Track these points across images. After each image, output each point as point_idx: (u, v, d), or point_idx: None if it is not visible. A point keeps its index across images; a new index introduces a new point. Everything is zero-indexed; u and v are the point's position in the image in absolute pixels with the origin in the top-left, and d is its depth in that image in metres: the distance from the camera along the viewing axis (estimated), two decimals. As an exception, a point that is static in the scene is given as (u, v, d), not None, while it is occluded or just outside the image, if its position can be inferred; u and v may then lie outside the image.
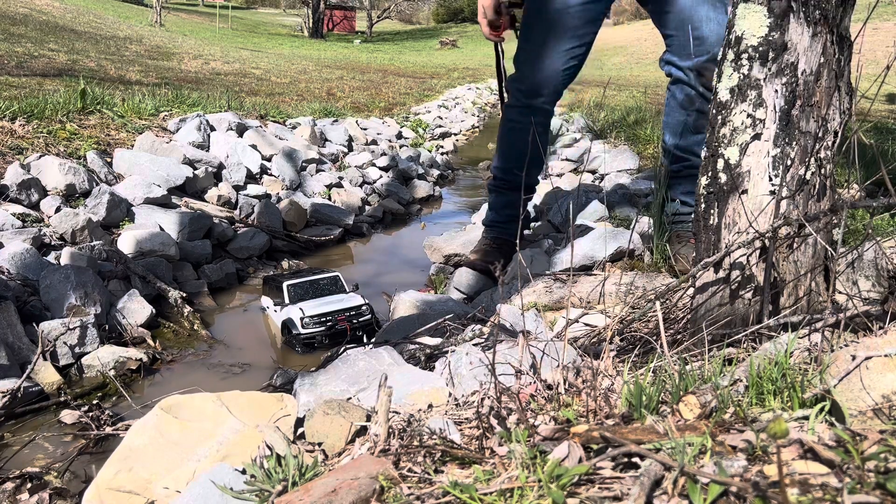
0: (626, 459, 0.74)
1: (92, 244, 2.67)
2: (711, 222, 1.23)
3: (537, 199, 3.45)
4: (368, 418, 1.11)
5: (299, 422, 1.19)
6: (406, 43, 29.13)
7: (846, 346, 0.92)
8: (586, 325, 1.60)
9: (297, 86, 9.07)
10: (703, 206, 1.25)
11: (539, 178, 2.74)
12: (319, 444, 1.09)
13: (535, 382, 1.09)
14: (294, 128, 5.12)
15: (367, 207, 4.49)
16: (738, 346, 1.15)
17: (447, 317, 1.74)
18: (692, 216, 1.78)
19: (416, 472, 0.85)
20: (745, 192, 1.19)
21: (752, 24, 1.17)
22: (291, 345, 2.40)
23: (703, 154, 1.26)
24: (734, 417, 0.85)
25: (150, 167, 3.39)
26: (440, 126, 8.39)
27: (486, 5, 2.34)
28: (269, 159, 4.27)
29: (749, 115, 1.18)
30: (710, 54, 1.99)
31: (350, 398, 1.26)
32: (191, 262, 2.96)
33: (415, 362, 1.48)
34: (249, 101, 5.89)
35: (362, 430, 1.09)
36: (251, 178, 4.01)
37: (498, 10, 2.34)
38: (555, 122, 6.28)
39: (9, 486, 1.38)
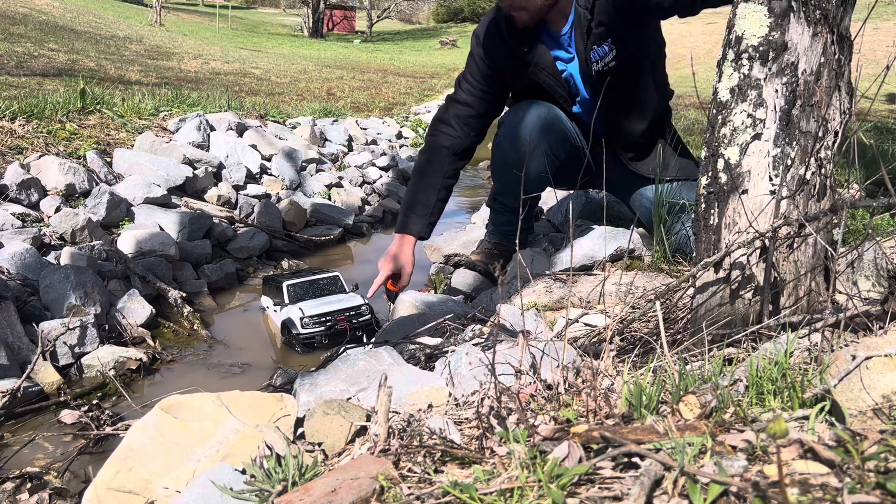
0: (626, 459, 0.74)
1: (92, 244, 2.67)
2: (711, 222, 1.23)
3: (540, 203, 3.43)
4: (368, 418, 1.11)
5: (299, 422, 1.19)
6: (406, 43, 29.12)
7: (846, 346, 0.92)
8: (586, 325, 1.60)
9: (297, 85, 9.07)
10: (703, 206, 1.25)
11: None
12: (319, 444, 1.09)
13: (535, 382, 1.09)
14: (294, 128, 5.12)
15: (367, 207, 4.49)
16: (738, 346, 1.15)
17: (447, 317, 1.74)
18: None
19: (416, 472, 0.85)
20: (745, 192, 1.19)
21: (753, 23, 1.17)
22: (291, 345, 2.40)
23: (703, 154, 1.26)
24: (734, 417, 0.85)
25: (149, 167, 3.39)
26: (440, 126, 8.36)
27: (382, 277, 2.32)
28: (268, 159, 4.27)
29: (749, 115, 1.18)
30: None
31: (350, 398, 1.25)
32: (191, 262, 2.96)
33: (415, 362, 1.48)
34: (249, 101, 5.90)
35: (362, 430, 1.09)
36: (251, 177, 4.01)
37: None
38: None
39: (9, 486, 1.38)
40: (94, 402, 1.85)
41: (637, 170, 2.35)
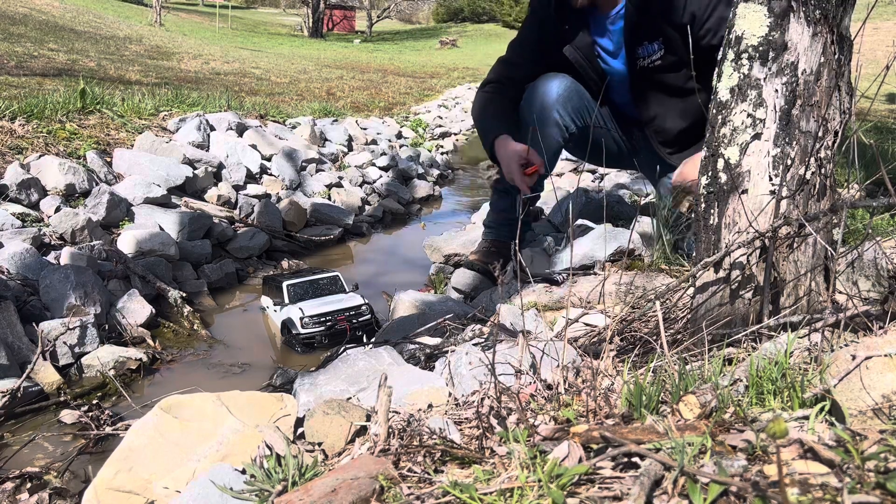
0: (626, 459, 0.74)
1: (92, 244, 2.66)
2: (711, 222, 1.23)
3: (540, 202, 3.43)
4: (368, 418, 1.11)
5: (299, 422, 1.19)
6: (406, 43, 29.13)
7: (846, 346, 0.92)
8: (586, 325, 1.60)
9: (297, 85, 9.08)
10: (703, 205, 1.25)
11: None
12: (319, 444, 1.08)
13: (535, 382, 1.09)
14: (294, 127, 5.12)
15: (367, 207, 4.49)
16: (738, 346, 1.15)
17: (447, 317, 1.74)
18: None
19: (415, 472, 0.85)
20: (745, 191, 1.19)
21: (753, 23, 1.17)
22: (291, 345, 2.40)
23: (703, 154, 1.26)
24: (734, 417, 0.85)
25: (149, 167, 3.39)
26: (440, 126, 8.39)
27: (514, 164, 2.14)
28: (268, 159, 4.27)
29: (749, 115, 1.18)
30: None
31: (350, 398, 1.25)
32: (190, 262, 2.96)
33: (415, 362, 1.48)
34: (249, 101, 5.90)
35: (362, 430, 1.09)
36: (251, 177, 4.01)
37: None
38: None
39: (9, 486, 1.38)
40: (94, 402, 1.85)
41: (661, 152, 2.35)
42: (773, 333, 1.13)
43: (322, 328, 2.35)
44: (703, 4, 2.03)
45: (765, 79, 1.17)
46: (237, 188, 3.81)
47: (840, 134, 1.20)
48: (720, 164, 1.21)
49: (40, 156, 3.04)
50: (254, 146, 4.24)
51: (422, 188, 5.17)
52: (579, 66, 2.29)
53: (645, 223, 2.38)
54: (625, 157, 2.53)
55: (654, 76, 2.19)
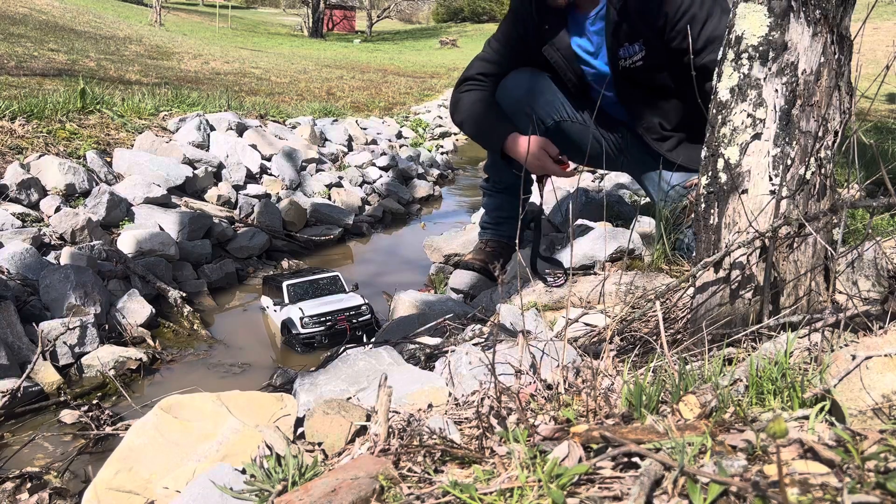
0: (626, 459, 0.74)
1: (92, 244, 2.66)
2: (711, 222, 1.23)
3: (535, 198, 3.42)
4: (368, 418, 1.11)
5: (299, 421, 1.19)
6: (406, 42, 29.13)
7: (846, 345, 0.92)
8: (586, 324, 1.60)
9: (297, 85, 9.08)
10: (703, 205, 1.25)
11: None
12: (319, 444, 1.08)
13: (535, 382, 1.09)
14: (294, 127, 5.12)
15: (366, 207, 4.49)
16: (738, 346, 1.15)
17: (447, 317, 1.74)
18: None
19: (416, 472, 0.85)
20: (745, 191, 1.19)
21: (753, 23, 1.17)
22: (291, 344, 2.40)
23: (702, 154, 1.26)
24: (734, 417, 0.85)
25: (149, 167, 3.39)
26: (440, 126, 8.38)
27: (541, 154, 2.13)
28: (268, 159, 4.27)
29: (749, 115, 1.18)
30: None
31: (350, 398, 1.25)
32: (190, 262, 2.96)
33: (415, 362, 1.48)
34: (249, 101, 5.90)
35: (362, 430, 1.09)
36: (251, 177, 4.01)
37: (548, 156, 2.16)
38: None
39: (9, 485, 1.38)
40: (94, 402, 1.85)
41: (658, 149, 2.34)
42: (773, 333, 1.13)
43: (322, 328, 2.35)
44: (675, 6, 2.04)
45: (765, 79, 1.17)
46: (237, 188, 3.81)
47: (840, 134, 1.20)
48: (720, 163, 1.21)
49: (40, 156, 3.04)
50: (254, 146, 4.24)
51: (422, 188, 5.17)
52: (558, 66, 2.30)
53: (645, 223, 2.38)
54: (608, 157, 2.51)
55: (637, 76, 2.20)
